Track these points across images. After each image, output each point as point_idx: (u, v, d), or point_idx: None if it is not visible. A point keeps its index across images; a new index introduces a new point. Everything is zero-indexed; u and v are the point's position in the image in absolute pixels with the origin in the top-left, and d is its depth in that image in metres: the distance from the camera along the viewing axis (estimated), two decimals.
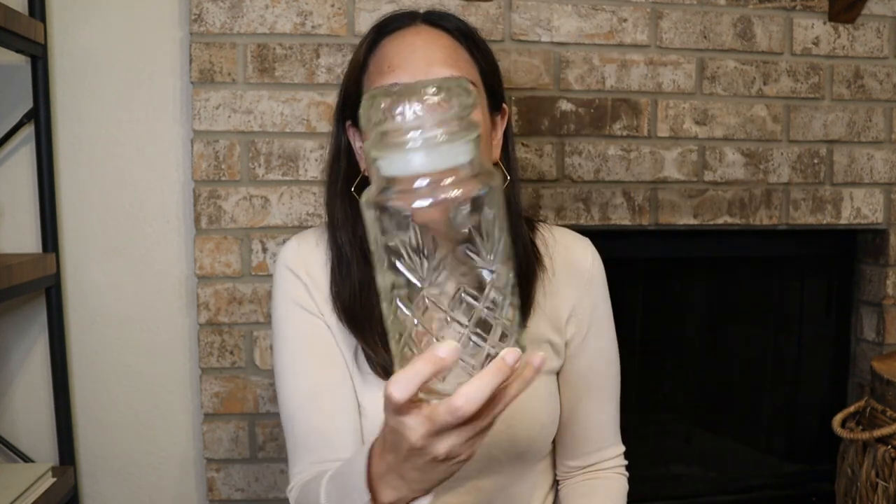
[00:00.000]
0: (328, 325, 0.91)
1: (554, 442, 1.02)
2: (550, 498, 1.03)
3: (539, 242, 0.97)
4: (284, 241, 1.35)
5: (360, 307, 0.88)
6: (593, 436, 0.99)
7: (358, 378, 0.90)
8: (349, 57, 1.34)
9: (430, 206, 0.50)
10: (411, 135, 0.50)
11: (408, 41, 0.85)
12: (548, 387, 0.95)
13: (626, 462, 1.03)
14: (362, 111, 0.53)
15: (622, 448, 1.03)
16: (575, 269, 0.97)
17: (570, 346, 0.97)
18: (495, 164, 0.93)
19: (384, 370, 0.87)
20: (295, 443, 0.90)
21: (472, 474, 0.93)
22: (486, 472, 0.93)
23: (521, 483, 0.97)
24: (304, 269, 0.93)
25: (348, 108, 0.91)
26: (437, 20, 0.89)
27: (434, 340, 0.53)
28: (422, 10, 0.91)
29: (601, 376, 0.99)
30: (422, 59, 0.83)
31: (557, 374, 0.99)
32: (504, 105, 0.94)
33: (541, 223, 1.01)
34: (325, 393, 0.89)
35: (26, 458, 1.38)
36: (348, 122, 0.92)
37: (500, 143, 0.94)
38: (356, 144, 0.92)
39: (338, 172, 0.93)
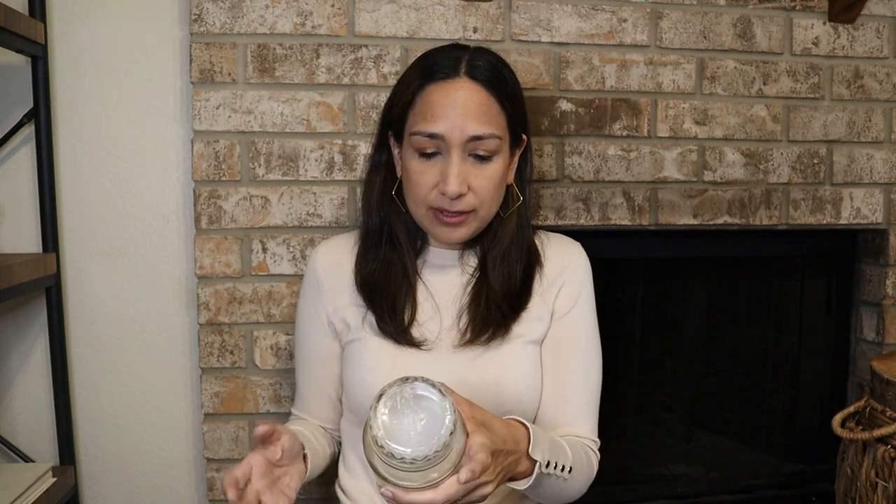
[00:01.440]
0: (339, 305, 1.11)
1: None
2: None
3: (538, 243, 1.14)
4: (285, 241, 1.36)
5: (376, 283, 1.08)
6: (564, 410, 1.08)
7: (363, 338, 1.08)
8: (349, 57, 1.35)
9: None
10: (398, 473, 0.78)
11: (450, 97, 1.01)
12: (532, 354, 1.08)
13: (598, 446, 1.10)
14: (370, 434, 0.77)
15: (597, 440, 1.11)
16: (565, 261, 1.14)
17: (553, 317, 1.11)
18: (509, 186, 1.10)
19: (387, 332, 1.06)
20: (297, 392, 1.19)
21: None
22: None
23: None
24: (324, 267, 1.13)
25: (393, 126, 1.08)
26: (476, 74, 1.02)
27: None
28: (464, 57, 1.04)
29: (578, 355, 1.11)
30: (460, 115, 1.00)
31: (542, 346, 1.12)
32: (523, 135, 1.09)
33: (540, 230, 1.18)
34: (314, 378, 1.16)
35: (26, 458, 1.38)
36: (389, 133, 1.09)
37: (516, 165, 1.11)
38: (395, 151, 1.10)
39: (376, 173, 1.12)
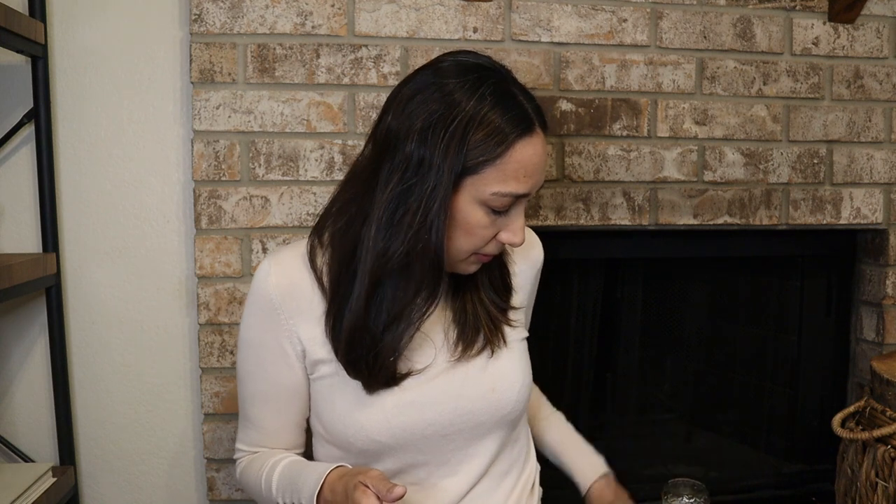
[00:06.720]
0: (305, 338, 0.98)
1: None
2: (529, 471, 1.12)
3: None
4: (285, 241, 1.36)
5: (355, 353, 0.95)
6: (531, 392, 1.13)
7: (342, 372, 0.98)
8: (349, 57, 1.35)
9: None
10: None
11: (539, 154, 0.92)
12: (522, 352, 1.07)
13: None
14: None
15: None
16: (529, 256, 1.12)
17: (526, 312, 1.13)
18: None
19: (363, 385, 0.97)
20: (245, 424, 1.07)
21: (461, 445, 1.00)
22: (476, 440, 1.01)
23: (509, 452, 1.07)
24: (280, 292, 0.99)
25: (466, 172, 0.90)
26: (544, 123, 0.94)
27: None
28: (528, 103, 0.93)
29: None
30: (542, 171, 0.94)
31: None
32: None
33: None
34: (287, 411, 1.04)
35: (26, 458, 1.38)
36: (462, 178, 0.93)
37: None
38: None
39: (440, 216, 0.93)
